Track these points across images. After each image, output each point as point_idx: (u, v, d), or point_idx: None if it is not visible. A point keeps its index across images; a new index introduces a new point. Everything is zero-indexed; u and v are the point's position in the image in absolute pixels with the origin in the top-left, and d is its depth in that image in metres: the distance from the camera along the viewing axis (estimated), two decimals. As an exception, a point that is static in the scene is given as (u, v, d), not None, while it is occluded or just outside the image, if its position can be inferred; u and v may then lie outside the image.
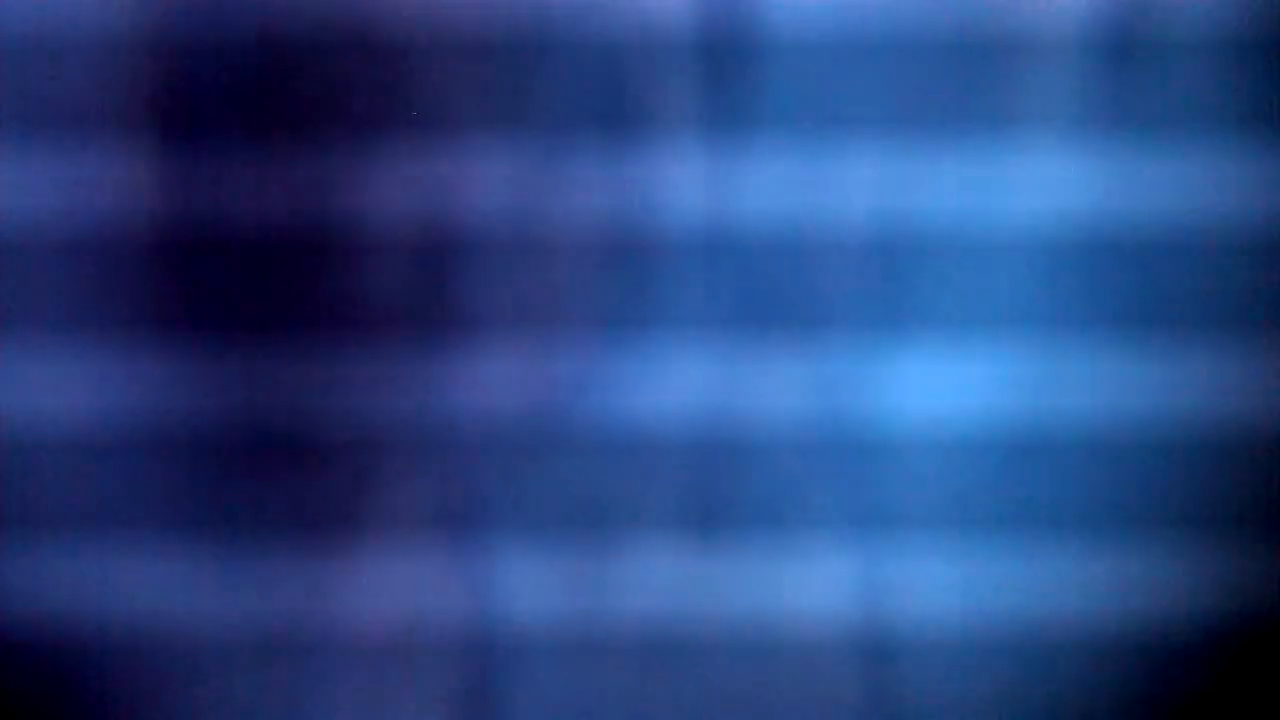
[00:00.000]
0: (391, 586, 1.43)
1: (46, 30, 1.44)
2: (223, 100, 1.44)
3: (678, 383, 1.42)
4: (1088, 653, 1.43)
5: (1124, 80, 1.44)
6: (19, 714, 1.43)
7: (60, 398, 1.43)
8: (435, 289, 1.43)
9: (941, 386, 1.43)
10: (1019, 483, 1.44)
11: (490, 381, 1.43)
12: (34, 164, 1.44)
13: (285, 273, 1.43)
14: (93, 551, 1.43)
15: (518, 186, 1.43)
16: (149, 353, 1.43)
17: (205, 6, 1.44)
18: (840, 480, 1.43)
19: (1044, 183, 1.44)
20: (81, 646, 1.43)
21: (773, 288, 1.43)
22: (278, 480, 1.43)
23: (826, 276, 1.43)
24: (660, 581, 1.43)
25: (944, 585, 1.43)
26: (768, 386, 1.43)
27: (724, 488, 1.43)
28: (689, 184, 1.42)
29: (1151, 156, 1.44)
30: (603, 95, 1.43)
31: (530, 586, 1.43)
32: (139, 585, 1.43)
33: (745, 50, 1.43)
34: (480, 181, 1.42)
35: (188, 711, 1.43)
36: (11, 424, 1.43)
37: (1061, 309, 1.44)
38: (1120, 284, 1.44)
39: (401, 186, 1.43)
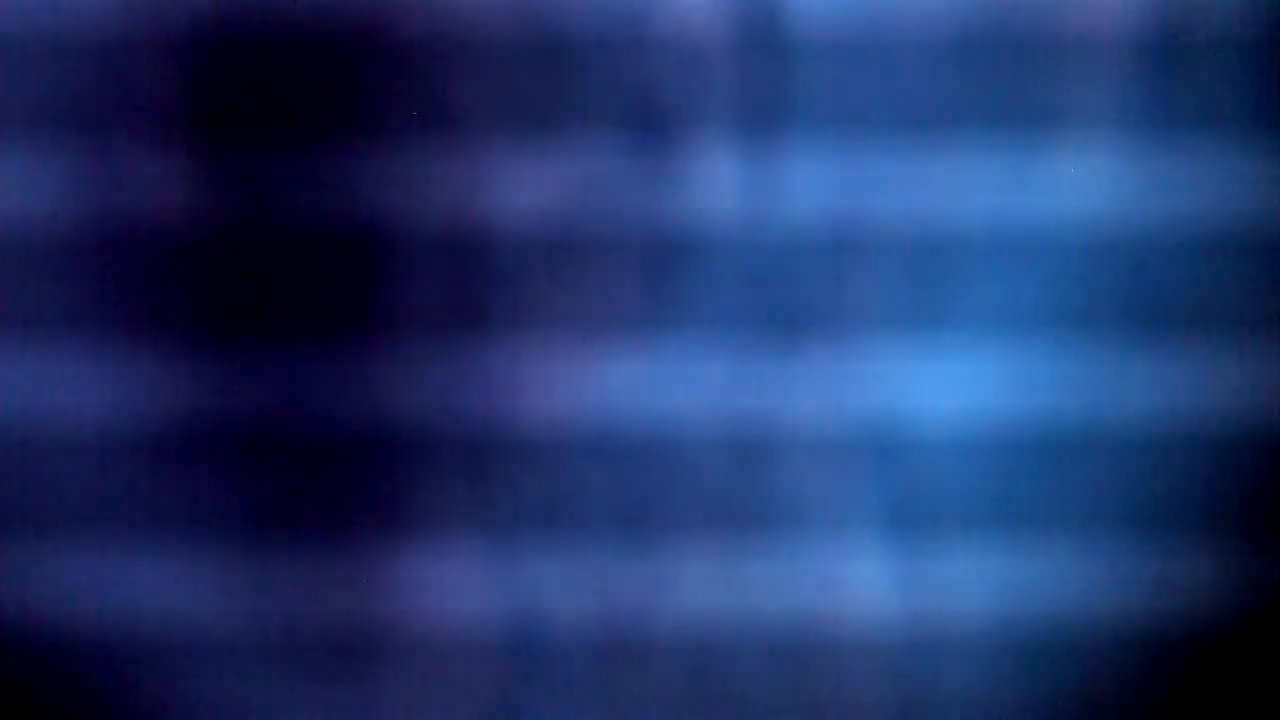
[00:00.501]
0: (391, 586, 1.43)
1: (47, 30, 1.44)
2: (226, 99, 1.44)
3: (712, 384, 1.42)
4: (1097, 651, 1.44)
5: (1147, 81, 1.44)
6: (19, 714, 1.43)
7: (60, 398, 1.43)
8: (451, 290, 1.43)
9: (971, 386, 1.43)
10: (1044, 482, 1.44)
11: (517, 383, 1.43)
12: (34, 164, 1.44)
13: (287, 272, 1.43)
14: (93, 551, 1.43)
15: (546, 187, 1.42)
16: (149, 353, 1.43)
17: (206, 6, 1.44)
18: (871, 481, 1.43)
19: (1071, 183, 1.44)
20: (81, 646, 1.43)
21: (805, 288, 1.43)
22: (278, 480, 1.43)
23: (858, 277, 1.43)
24: (693, 583, 1.43)
25: (966, 585, 1.43)
26: (799, 387, 1.43)
27: (756, 489, 1.43)
28: (722, 185, 1.42)
29: (1171, 157, 1.44)
30: (635, 95, 1.43)
31: (553, 588, 1.43)
32: (139, 585, 1.43)
33: (779, 50, 1.43)
34: (508, 182, 1.42)
35: (188, 711, 1.43)
36: (11, 424, 1.43)
37: (1089, 310, 1.44)
38: (1141, 284, 1.44)
39: (421, 187, 1.43)
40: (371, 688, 1.43)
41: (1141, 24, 1.44)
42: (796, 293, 1.42)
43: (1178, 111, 1.45)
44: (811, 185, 1.42)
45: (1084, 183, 1.44)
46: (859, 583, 1.43)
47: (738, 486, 1.43)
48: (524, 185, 1.41)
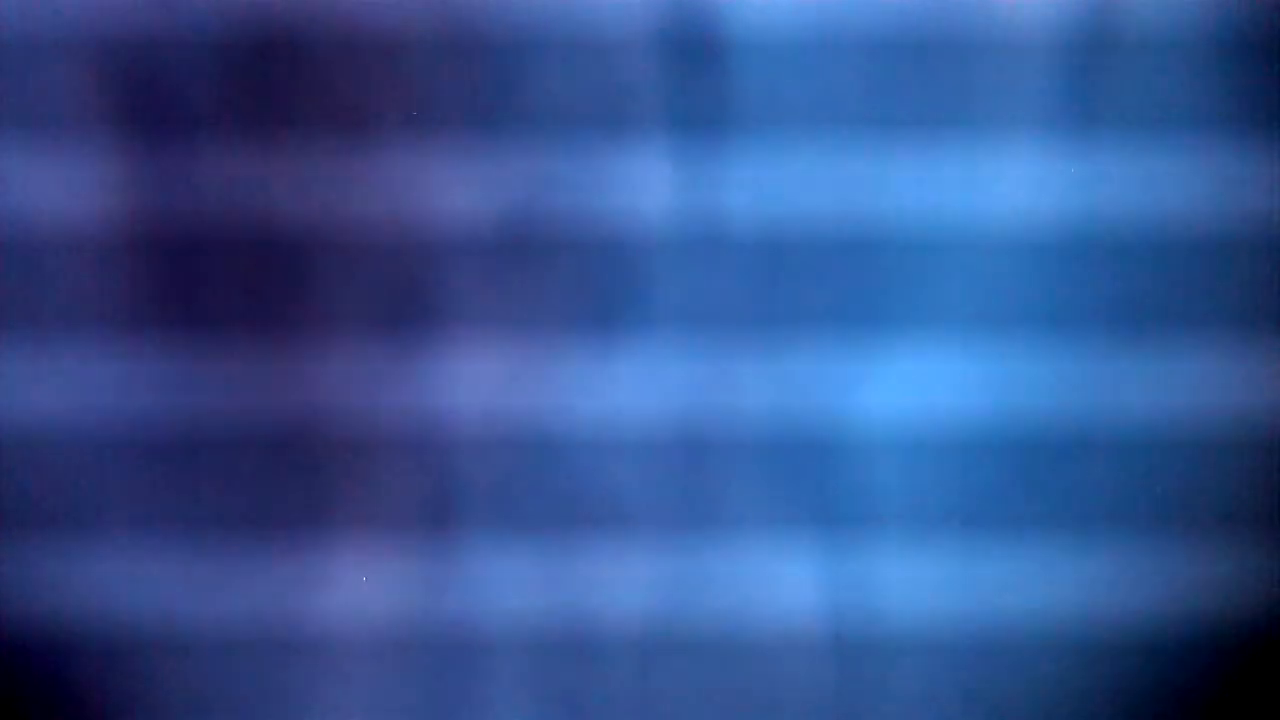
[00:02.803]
0: (391, 586, 1.43)
1: (47, 30, 1.44)
2: (222, 99, 1.44)
3: (656, 382, 1.42)
4: (1085, 652, 1.43)
5: (1125, 77, 1.44)
6: (19, 714, 1.44)
7: (60, 398, 1.43)
8: (426, 289, 1.43)
9: (919, 386, 1.43)
10: (1012, 482, 1.43)
11: (472, 381, 1.43)
12: (34, 164, 1.44)
13: (283, 272, 1.43)
14: (93, 551, 1.43)
15: (494, 185, 1.43)
16: (149, 353, 1.43)
17: (204, 6, 1.44)
18: (815, 479, 1.42)
19: (1030, 182, 1.43)
20: (81, 646, 1.43)
21: (750, 287, 1.43)
22: (277, 479, 1.43)
23: (802, 276, 1.43)
24: (639, 580, 1.42)
25: (934, 585, 1.43)
26: (746, 386, 1.42)
27: (703, 486, 1.43)
28: (666, 183, 1.42)
29: (1145, 154, 1.44)
30: (578, 95, 1.43)
31: (511, 585, 1.43)
32: (138, 585, 1.43)
33: (721, 49, 1.43)
34: (458, 180, 1.42)
35: (187, 711, 1.43)
36: (11, 424, 1.43)
37: (1048, 308, 1.44)
38: (1114, 283, 1.44)
39: (386, 186, 1.43)
40: (332, 684, 1.43)
41: (1097, 20, 1.44)
42: (742, 291, 1.42)
43: (1173, 110, 1.44)
44: (757, 184, 1.42)
45: (1040, 182, 1.43)
46: (807, 582, 1.42)
47: (683, 483, 1.42)
48: (470, 183, 1.41)
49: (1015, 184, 1.43)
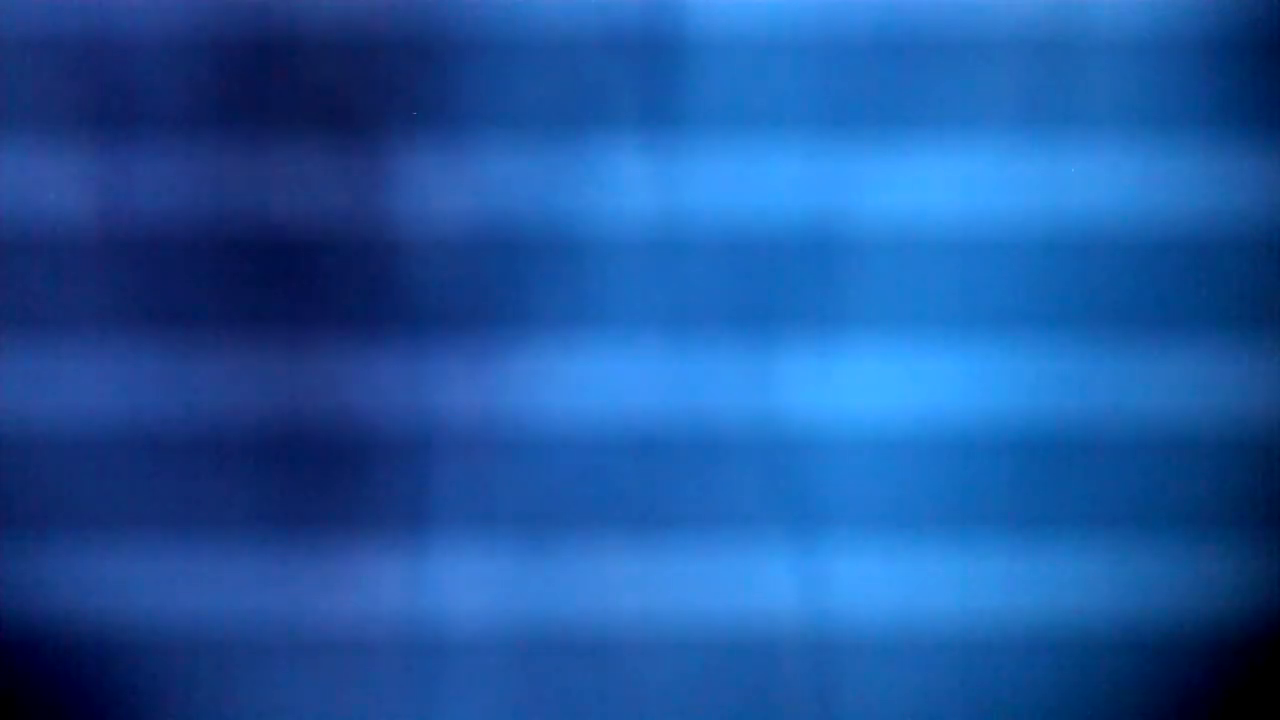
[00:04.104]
0: (392, 585, 1.43)
1: (46, 30, 1.45)
2: (227, 99, 1.45)
3: (626, 381, 1.42)
4: (1087, 651, 1.43)
5: (1124, 78, 1.44)
6: (19, 714, 1.44)
7: (60, 398, 1.44)
8: (400, 288, 1.44)
9: (885, 384, 1.43)
10: (999, 482, 1.43)
11: (442, 381, 1.43)
12: (35, 164, 1.45)
13: (282, 271, 1.44)
14: (93, 551, 1.43)
15: (460, 185, 1.43)
16: (148, 353, 1.44)
17: (208, 7, 1.45)
18: (784, 478, 1.42)
19: (1019, 181, 1.43)
20: (81, 646, 1.43)
21: (719, 286, 1.43)
22: (277, 479, 1.43)
23: (774, 274, 1.43)
24: (613, 579, 1.42)
25: (919, 584, 1.42)
26: (717, 384, 1.42)
27: (674, 486, 1.43)
28: (636, 182, 1.42)
29: (1139, 155, 1.44)
30: (547, 95, 1.44)
31: (489, 585, 1.43)
32: (139, 585, 1.43)
33: (687, 49, 1.43)
34: (425, 180, 1.43)
35: (187, 710, 1.43)
36: (11, 424, 1.43)
37: (1052, 309, 1.43)
38: (1112, 283, 1.44)
39: (365, 186, 1.43)
40: (331, 684, 1.43)
41: (1090, 20, 1.44)
42: (710, 291, 1.42)
43: (1176, 111, 1.44)
44: (726, 183, 1.42)
45: (1024, 182, 1.43)
46: (782, 581, 1.42)
47: (653, 483, 1.42)
48: (436, 183, 1.41)
49: (1002, 183, 1.43)
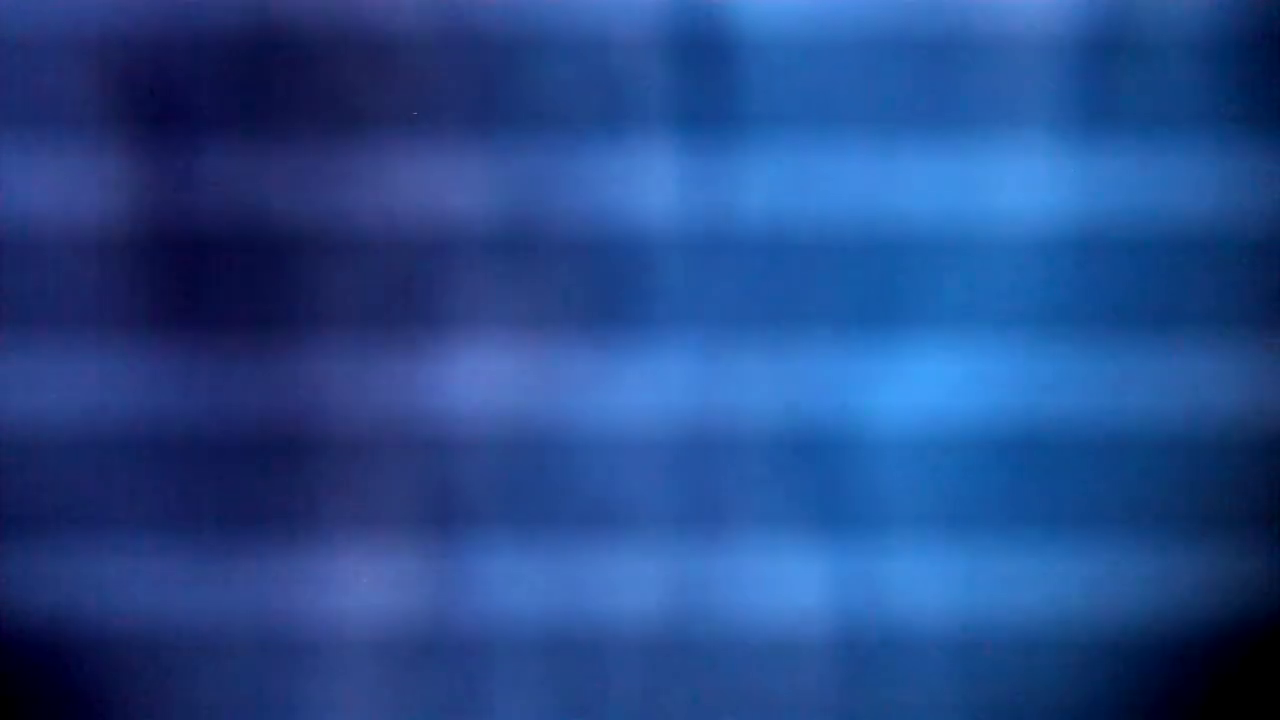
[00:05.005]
0: (392, 584, 1.43)
1: (46, 30, 1.44)
2: (222, 98, 1.44)
3: (663, 381, 1.42)
4: (1085, 653, 1.43)
5: (1125, 77, 1.44)
6: (19, 714, 1.43)
7: (60, 398, 1.43)
8: (428, 287, 1.43)
9: (927, 385, 1.43)
10: (1013, 482, 1.43)
11: (476, 380, 1.43)
12: (34, 164, 1.44)
13: (283, 271, 1.43)
14: (93, 551, 1.43)
15: (499, 184, 1.43)
16: (148, 353, 1.43)
17: (203, 5, 1.44)
18: (825, 480, 1.42)
19: (1038, 181, 1.44)
20: (81, 646, 1.43)
21: (757, 286, 1.43)
22: (277, 479, 1.43)
23: (810, 274, 1.43)
24: (647, 581, 1.42)
25: (938, 585, 1.43)
26: (753, 385, 1.42)
27: (711, 487, 1.43)
28: (674, 181, 1.42)
29: (1150, 154, 1.44)
30: (585, 92, 1.43)
31: (515, 585, 1.43)
32: (138, 585, 1.43)
33: (729, 47, 1.43)
34: (462, 179, 1.42)
35: (187, 711, 1.43)
36: (11, 424, 1.43)
37: (1054, 307, 1.44)
38: (1116, 282, 1.44)
39: (390, 185, 1.43)
40: (332, 684, 1.43)
41: (1111, 18, 1.44)
42: (750, 290, 1.42)
43: (1175, 110, 1.45)
44: (765, 182, 1.42)
45: (1047, 181, 1.44)
46: (818, 582, 1.43)
47: (691, 484, 1.42)
48: (474, 182, 1.41)
49: (1026, 183, 1.43)
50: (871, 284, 1.42)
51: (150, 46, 1.44)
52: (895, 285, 1.43)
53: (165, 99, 1.44)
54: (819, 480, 1.43)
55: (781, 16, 1.43)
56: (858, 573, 1.43)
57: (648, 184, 1.42)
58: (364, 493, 1.43)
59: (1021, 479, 1.43)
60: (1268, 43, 1.44)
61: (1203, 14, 1.44)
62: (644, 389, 1.42)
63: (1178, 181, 1.44)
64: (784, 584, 1.42)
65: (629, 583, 1.43)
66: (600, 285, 1.42)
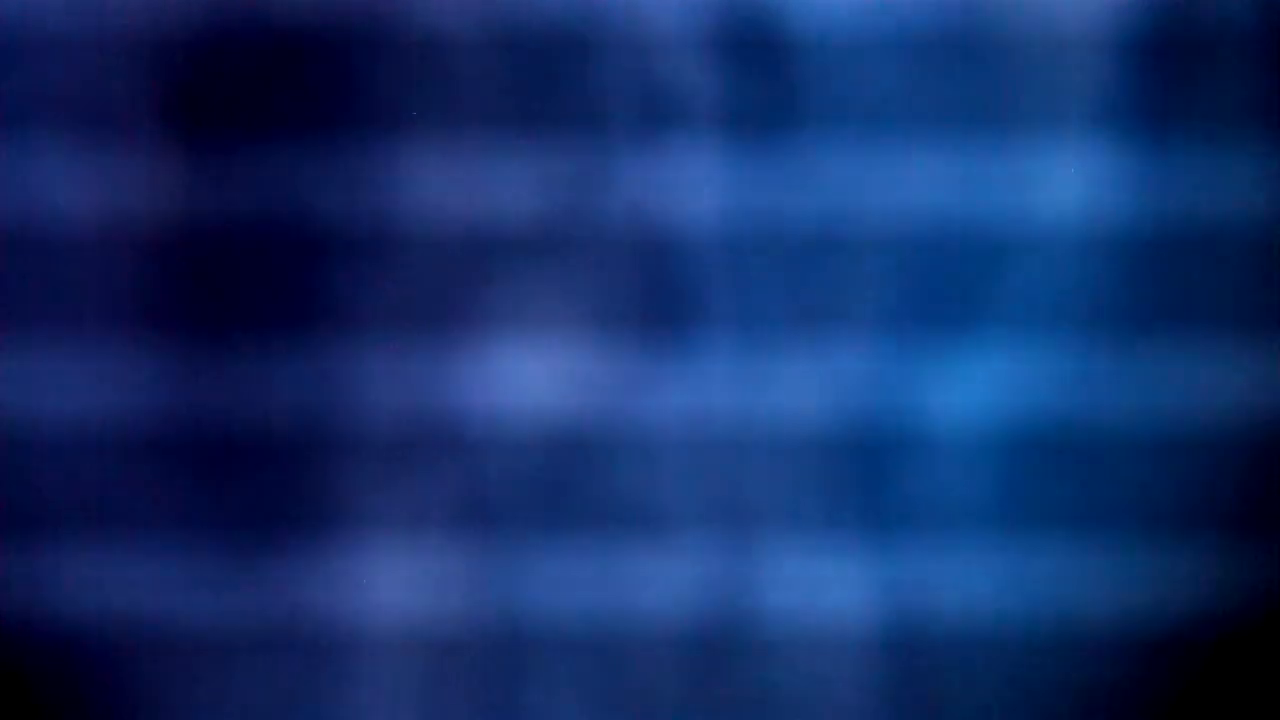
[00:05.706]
0: (391, 584, 1.43)
1: (46, 30, 1.44)
2: (225, 99, 1.44)
3: (709, 382, 1.42)
4: (1093, 650, 1.43)
5: (1150, 79, 1.44)
6: (19, 714, 1.43)
7: (60, 398, 1.43)
8: (468, 288, 1.43)
9: (973, 385, 1.43)
10: (1045, 481, 1.44)
11: (509, 380, 1.43)
12: (34, 163, 1.44)
13: (285, 271, 1.43)
14: (93, 551, 1.43)
15: (542, 184, 1.42)
16: (149, 353, 1.43)
17: (205, 5, 1.44)
18: (866, 480, 1.42)
19: (1089, 180, 1.43)
20: (81, 646, 1.43)
21: (802, 286, 1.43)
22: (278, 478, 1.43)
23: (854, 275, 1.43)
24: (688, 580, 1.42)
25: (982, 587, 1.43)
26: (797, 385, 1.42)
27: (753, 488, 1.43)
28: (719, 182, 1.42)
29: (1179, 155, 1.44)
30: (629, 93, 1.43)
31: (543, 584, 1.43)
32: (139, 585, 1.43)
33: (776, 47, 1.42)
34: (502, 179, 1.42)
35: (188, 711, 1.43)
36: (11, 424, 1.43)
37: (1094, 308, 1.44)
38: (1149, 283, 1.44)
39: (435, 185, 1.43)
40: (333, 684, 1.43)
41: (1143, 21, 1.44)
42: (795, 291, 1.42)
43: (1180, 110, 1.44)
44: (811, 183, 1.42)
45: (1083, 181, 1.43)
46: (855, 581, 1.43)
47: (733, 484, 1.42)
48: (514, 182, 1.41)
49: (1077, 182, 1.43)
50: (915, 285, 1.42)
51: (149, 46, 1.44)
52: (940, 286, 1.43)
53: (166, 99, 1.44)
54: (863, 481, 1.42)
55: (829, 17, 1.42)
56: (900, 574, 1.43)
57: (693, 184, 1.42)
58: (403, 492, 1.43)
59: (1069, 478, 1.43)
60: None
61: (1251, 13, 1.44)
62: (690, 389, 1.42)
63: (1235, 182, 1.44)
64: (826, 585, 1.42)
65: (670, 584, 1.43)
66: (644, 286, 1.42)
